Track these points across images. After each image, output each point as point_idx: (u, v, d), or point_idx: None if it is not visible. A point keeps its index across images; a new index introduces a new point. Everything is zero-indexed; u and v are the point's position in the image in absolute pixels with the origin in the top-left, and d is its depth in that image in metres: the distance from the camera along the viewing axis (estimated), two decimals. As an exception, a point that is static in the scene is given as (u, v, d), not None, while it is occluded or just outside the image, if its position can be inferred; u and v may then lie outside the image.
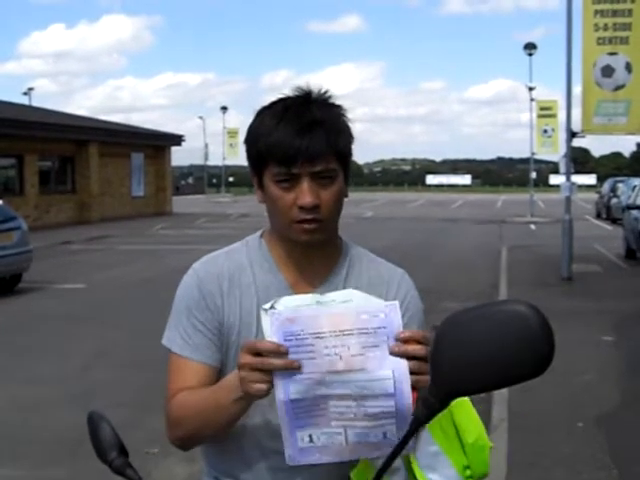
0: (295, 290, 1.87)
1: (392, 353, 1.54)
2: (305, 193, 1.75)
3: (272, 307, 1.56)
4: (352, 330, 1.53)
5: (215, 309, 1.85)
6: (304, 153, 1.73)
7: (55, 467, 5.62)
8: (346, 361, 1.53)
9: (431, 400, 1.44)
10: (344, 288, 1.88)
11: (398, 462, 1.67)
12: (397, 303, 1.58)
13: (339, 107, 1.85)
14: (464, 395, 1.47)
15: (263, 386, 1.55)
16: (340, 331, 1.53)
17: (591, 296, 13.31)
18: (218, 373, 1.83)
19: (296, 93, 1.84)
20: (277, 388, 1.54)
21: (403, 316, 1.88)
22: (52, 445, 6.03)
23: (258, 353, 1.55)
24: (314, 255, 1.88)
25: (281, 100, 1.84)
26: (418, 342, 1.55)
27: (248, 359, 1.56)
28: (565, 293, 13.68)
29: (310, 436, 1.58)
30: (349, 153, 1.85)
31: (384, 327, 1.54)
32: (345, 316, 1.54)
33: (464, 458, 1.68)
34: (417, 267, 15.73)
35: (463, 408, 1.69)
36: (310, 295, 1.61)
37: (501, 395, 7.22)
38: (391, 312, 1.56)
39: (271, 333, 1.54)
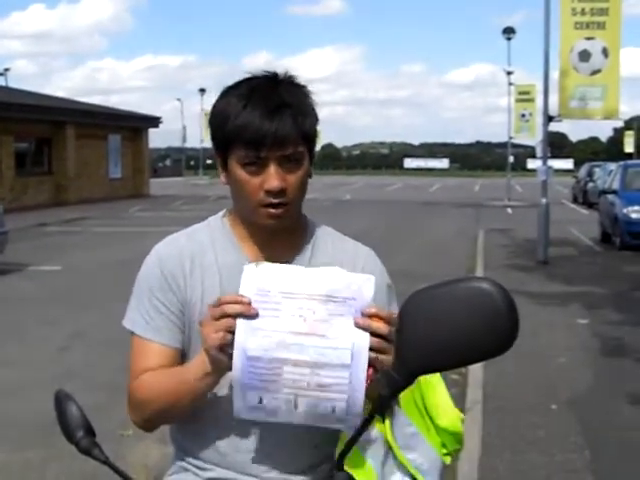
0: None
1: (356, 325, 1.54)
2: (272, 177, 1.74)
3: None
4: (321, 295, 1.55)
5: (177, 290, 1.84)
6: (272, 137, 1.72)
7: (31, 450, 5.61)
8: (309, 324, 1.54)
9: (395, 377, 1.45)
10: (309, 267, 1.90)
11: (374, 434, 1.68)
12: (372, 278, 1.58)
13: (305, 88, 1.83)
14: (428, 373, 1.48)
15: (220, 334, 1.57)
16: (309, 295, 1.55)
17: (567, 279, 13.40)
18: (181, 355, 1.84)
19: (262, 74, 1.82)
20: (236, 340, 1.56)
21: None
22: (28, 428, 6.02)
23: (220, 304, 1.59)
24: (278, 236, 1.86)
25: (246, 80, 1.82)
26: (384, 320, 1.56)
27: (209, 311, 1.61)
28: (541, 276, 13.76)
29: (260, 398, 1.59)
30: (315, 135, 1.83)
31: (354, 299, 1.55)
32: (318, 281, 1.56)
33: (438, 437, 1.69)
34: (394, 250, 15.80)
35: (435, 392, 1.68)
36: (294, 266, 1.65)
37: (476, 377, 7.28)
38: (364, 285, 1.56)
39: (244, 285, 1.57)
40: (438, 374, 1.68)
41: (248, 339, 1.55)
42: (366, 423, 1.52)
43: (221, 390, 1.74)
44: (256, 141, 1.72)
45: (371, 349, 1.54)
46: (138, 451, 5.44)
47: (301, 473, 1.83)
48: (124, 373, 1.88)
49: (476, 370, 7.38)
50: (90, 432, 1.68)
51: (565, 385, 7.23)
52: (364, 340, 1.54)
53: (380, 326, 1.55)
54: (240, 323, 1.55)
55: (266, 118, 1.72)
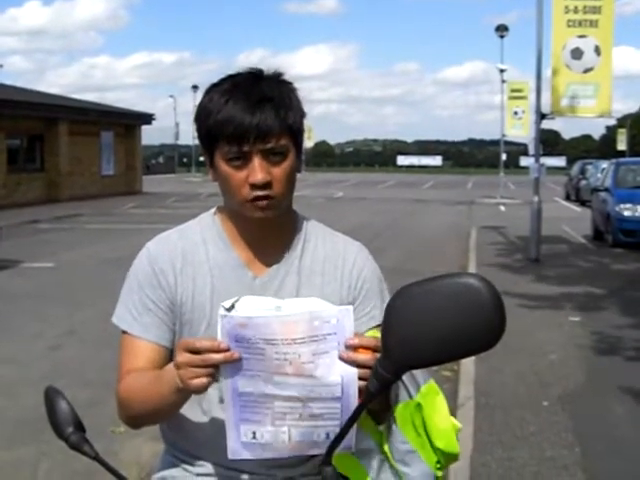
0: (250, 267, 1.87)
1: (341, 359, 1.52)
2: (256, 170, 1.74)
3: (232, 306, 1.54)
4: (304, 338, 1.50)
5: (167, 287, 1.84)
6: (254, 130, 1.72)
7: (22, 447, 5.61)
8: (296, 367, 1.52)
9: (383, 373, 1.45)
10: (300, 263, 1.89)
11: (371, 444, 1.69)
12: (351, 308, 1.55)
13: (290, 84, 1.83)
14: (416, 368, 1.48)
15: (204, 380, 1.53)
16: (292, 339, 1.50)
17: (558, 277, 13.43)
18: (170, 353, 1.82)
19: (246, 71, 1.83)
20: (224, 382, 1.54)
21: (361, 288, 1.90)
22: (19, 425, 6.02)
23: (196, 351, 1.54)
24: (268, 231, 1.86)
25: (230, 77, 1.82)
26: (370, 349, 1.53)
27: (186, 357, 1.54)
28: (533, 274, 13.77)
29: (254, 432, 1.58)
30: (300, 128, 1.82)
31: (334, 333, 1.51)
32: (298, 324, 1.51)
33: (434, 456, 1.67)
34: (387, 247, 15.82)
35: (436, 414, 1.65)
36: (271, 299, 1.60)
37: (468, 374, 7.30)
38: (344, 317, 1.53)
39: (222, 335, 1.52)
40: (441, 394, 1.67)
41: (237, 379, 1.54)
42: (353, 417, 1.52)
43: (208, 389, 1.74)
44: (238, 135, 1.72)
45: (359, 378, 1.53)
46: (130, 448, 5.45)
47: (289, 467, 1.84)
48: (115, 370, 1.88)
49: (468, 367, 7.40)
50: (80, 428, 1.66)
51: (556, 382, 7.25)
52: (352, 372, 1.53)
53: (366, 358, 1.52)
54: (225, 367, 1.53)
55: (247, 112, 1.72)
